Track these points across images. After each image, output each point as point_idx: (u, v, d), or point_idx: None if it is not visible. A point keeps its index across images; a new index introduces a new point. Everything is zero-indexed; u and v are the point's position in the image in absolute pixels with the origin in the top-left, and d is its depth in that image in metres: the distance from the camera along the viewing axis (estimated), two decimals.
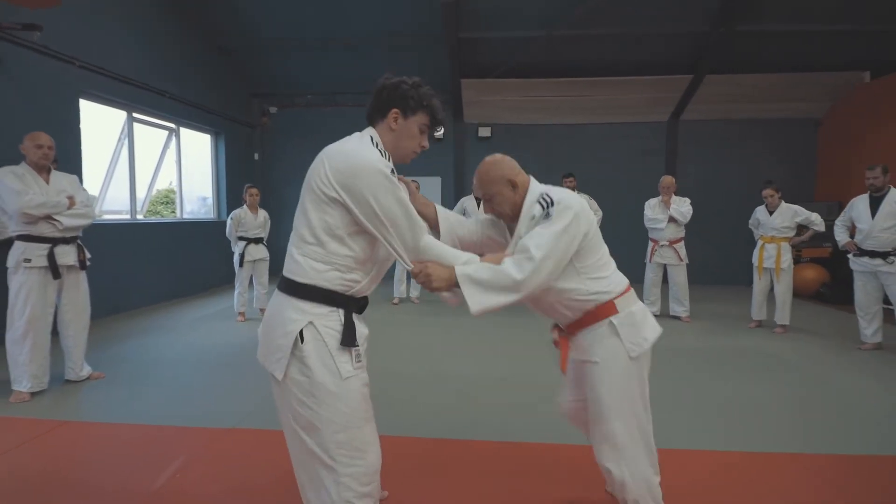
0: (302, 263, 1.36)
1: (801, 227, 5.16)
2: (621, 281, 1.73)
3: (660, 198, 5.65)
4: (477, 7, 6.54)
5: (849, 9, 6.24)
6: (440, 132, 8.44)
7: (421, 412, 3.07)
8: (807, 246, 7.37)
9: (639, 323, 1.68)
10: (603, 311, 1.65)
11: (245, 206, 5.65)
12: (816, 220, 4.94)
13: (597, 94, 7.81)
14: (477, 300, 1.47)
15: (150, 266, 6.40)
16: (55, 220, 3.31)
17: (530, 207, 1.64)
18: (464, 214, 6.64)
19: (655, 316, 5.43)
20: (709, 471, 2.38)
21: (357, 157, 1.36)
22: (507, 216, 1.74)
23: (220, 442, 2.66)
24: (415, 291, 6.83)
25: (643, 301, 5.77)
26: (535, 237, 1.54)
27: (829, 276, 6.97)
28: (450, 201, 8.50)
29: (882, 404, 3.22)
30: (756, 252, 5.27)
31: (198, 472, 2.34)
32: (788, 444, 2.63)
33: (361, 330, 1.45)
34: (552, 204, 1.58)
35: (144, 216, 7.51)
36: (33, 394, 3.29)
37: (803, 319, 5.59)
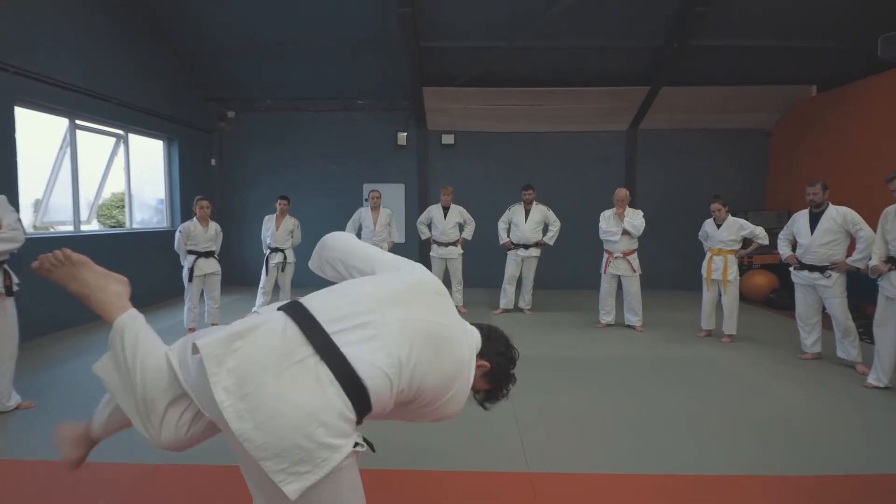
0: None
1: (747, 240, 5.31)
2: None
3: (614, 210, 5.74)
4: (437, 16, 6.51)
5: (797, 25, 6.47)
6: (403, 140, 8.39)
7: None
8: (758, 252, 7.64)
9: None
10: None
11: (195, 219, 5.48)
12: (760, 234, 5.11)
13: (558, 104, 7.89)
14: None
15: None
16: None
17: None
18: (429, 224, 6.69)
19: (610, 325, 5.79)
20: (631, 496, 2.41)
21: None
22: None
23: (151, 480, 2.56)
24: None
25: (600, 310, 5.94)
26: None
27: (778, 283, 7.22)
28: (413, 208, 8.46)
29: (816, 417, 3.34)
30: (704, 264, 5.41)
31: None
32: (721, 466, 2.68)
33: None
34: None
35: (98, 222, 7.24)
36: None
37: (750, 327, 5.77)
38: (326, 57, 7.54)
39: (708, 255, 5.40)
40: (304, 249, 7.57)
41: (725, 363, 4.53)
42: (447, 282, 6.92)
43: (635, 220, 5.62)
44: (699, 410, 3.44)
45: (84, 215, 6.47)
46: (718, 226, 5.28)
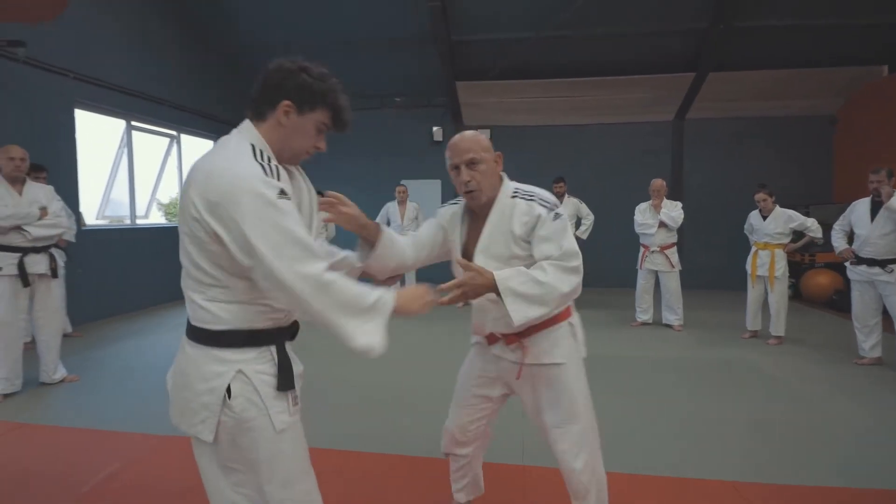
0: (211, 309, 1.15)
1: (799, 234, 4.88)
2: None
3: (650, 202, 5.46)
4: (468, 9, 6.48)
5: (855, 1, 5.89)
6: (439, 135, 8.41)
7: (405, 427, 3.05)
8: (821, 250, 7.01)
9: (581, 328, 1.73)
10: (563, 313, 1.65)
11: None
12: (812, 227, 4.67)
13: (596, 94, 7.63)
14: (522, 314, 1.45)
15: (146, 269, 6.60)
16: (24, 230, 3.44)
17: (511, 207, 1.57)
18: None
19: (647, 324, 5.49)
20: (656, 498, 2.26)
21: (228, 177, 1.08)
22: (485, 190, 1.59)
23: (173, 452, 2.70)
24: None
25: (636, 308, 5.60)
26: (564, 241, 1.51)
27: (843, 283, 6.59)
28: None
29: (868, 429, 2.97)
30: (749, 258, 5.03)
31: (134, 476, 2.38)
32: (754, 474, 2.46)
33: (296, 368, 1.25)
34: (557, 205, 1.58)
35: (165, 218, 7.79)
36: (6, 395, 3.44)
37: (804, 329, 5.30)
38: (363, 56, 7.70)
39: (753, 249, 5.01)
40: (339, 243, 7.88)
41: (767, 366, 4.17)
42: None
43: (673, 211, 5.31)
44: (724, 414, 3.18)
45: (141, 210, 6.98)
46: (764, 217, 4.89)
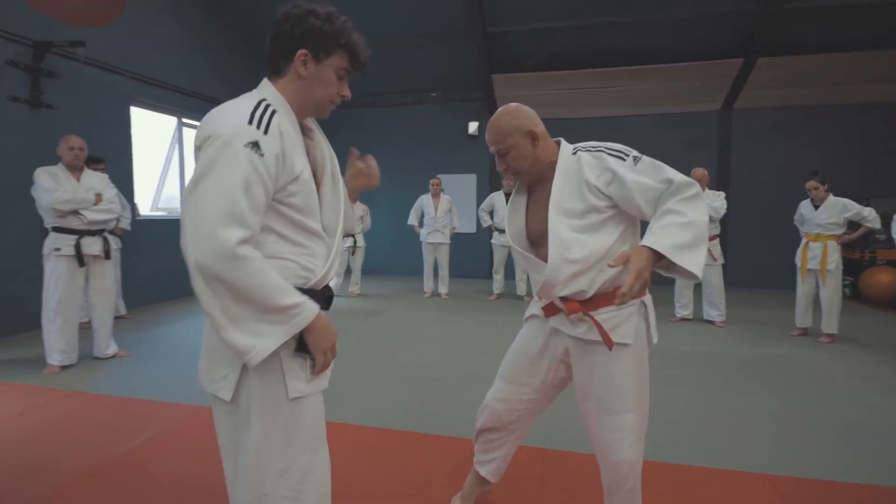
0: None
1: (854, 224, 4.56)
2: None
3: None
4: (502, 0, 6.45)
5: None
6: (474, 129, 8.40)
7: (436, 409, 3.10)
8: (882, 246, 6.53)
9: (653, 311, 1.59)
10: None
11: None
12: (870, 216, 4.35)
13: (638, 84, 7.38)
14: (696, 262, 1.34)
15: None
16: (81, 214, 3.71)
17: (575, 161, 1.51)
18: (491, 212, 6.64)
19: (688, 320, 5.28)
20: (694, 487, 2.19)
21: (213, 122, 1.07)
22: (524, 173, 1.59)
23: (198, 420, 2.85)
24: (443, 287, 6.84)
25: (675, 303, 5.29)
26: (668, 173, 1.41)
27: None
28: (485, 198, 8.42)
29: None
30: (799, 251, 4.73)
31: (168, 441, 2.53)
32: (792, 468, 2.34)
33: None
34: (629, 151, 1.49)
35: None
36: (63, 367, 3.71)
37: (860, 329, 4.95)
38: (399, 52, 7.78)
39: (804, 240, 4.72)
40: (373, 236, 8.12)
41: (815, 364, 3.92)
42: (511, 270, 6.82)
43: (715, 201, 5.07)
44: (764, 408, 3.03)
45: None
46: (816, 207, 4.60)
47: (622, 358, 1.50)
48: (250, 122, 1.06)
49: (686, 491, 2.12)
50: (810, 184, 4.56)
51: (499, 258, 6.67)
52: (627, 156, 1.47)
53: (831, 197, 4.52)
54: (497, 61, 7.32)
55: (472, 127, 8.39)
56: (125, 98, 5.84)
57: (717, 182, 7.26)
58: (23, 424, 2.77)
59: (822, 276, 4.53)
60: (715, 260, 5.16)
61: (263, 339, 1.06)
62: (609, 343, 1.48)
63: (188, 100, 6.69)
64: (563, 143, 1.61)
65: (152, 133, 6.62)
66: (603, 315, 1.50)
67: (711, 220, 5.10)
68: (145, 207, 6.54)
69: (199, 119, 7.06)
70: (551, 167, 1.55)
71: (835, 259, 4.49)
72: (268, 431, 1.14)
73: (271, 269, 1.07)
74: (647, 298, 1.55)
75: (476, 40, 6.83)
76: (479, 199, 8.56)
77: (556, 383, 1.71)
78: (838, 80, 6.81)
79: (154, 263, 6.16)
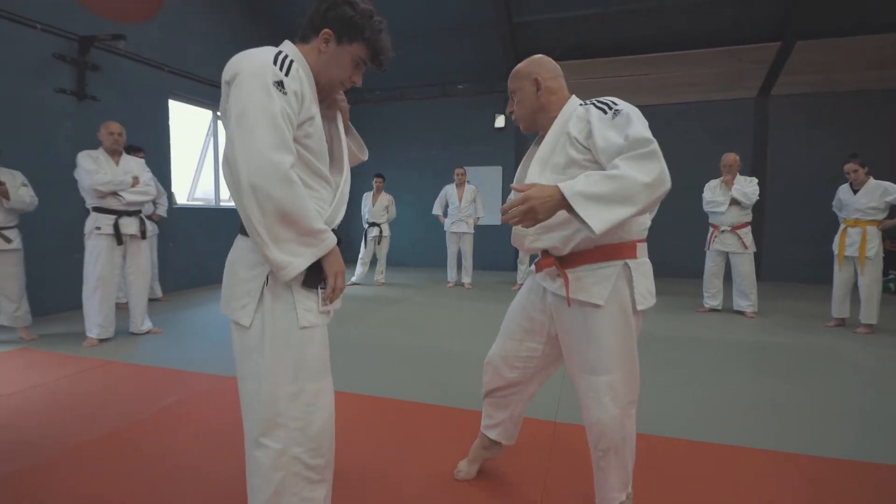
0: None
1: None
2: (645, 226, 1.53)
3: (721, 178, 5.09)
4: None
5: None
6: (501, 122, 8.38)
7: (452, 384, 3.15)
8: None
9: (649, 275, 1.51)
10: (623, 249, 1.46)
11: None
12: None
13: (666, 72, 7.19)
14: (599, 218, 1.24)
15: (227, 247, 7.18)
16: (119, 195, 3.92)
17: (571, 115, 1.49)
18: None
19: (717, 311, 5.13)
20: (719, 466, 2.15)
21: (240, 60, 1.18)
22: (522, 118, 1.62)
23: (228, 389, 2.97)
24: (467, 277, 6.86)
25: (704, 293, 5.14)
26: (630, 129, 1.31)
27: None
28: (509, 191, 8.40)
29: None
30: (837, 238, 4.52)
31: (187, 407, 2.65)
32: (818, 450, 2.26)
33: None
34: (616, 104, 1.41)
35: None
36: (101, 340, 3.93)
37: None
38: (425, 44, 7.86)
39: (842, 226, 4.51)
40: (398, 225, 8.20)
41: (851, 354, 3.73)
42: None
43: (746, 187, 4.90)
44: (795, 395, 2.92)
45: (225, 194, 7.63)
46: (855, 191, 4.39)
47: (597, 318, 1.46)
48: (274, 63, 1.18)
49: (708, 466, 2.08)
50: (849, 166, 4.35)
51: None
52: (610, 109, 1.40)
53: (871, 180, 4.30)
54: (523, 52, 7.27)
55: (500, 120, 8.37)
56: (163, 91, 6.11)
57: (753, 172, 6.99)
58: (60, 388, 2.96)
59: (860, 264, 4.32)
60: (746, 248, 5.00)
61: (298, 259, 1.19)
62: (568, 300, 1.48)
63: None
64: (573, 98, 1.58)
65: (189, 126, 6.91)
66: (578, 273, 1.49)
67: (742, 206, 4.95)
68: (182, 197, 6.83)
69: None
70: (552, 122, 1.56)
71: (875, 245, 4.27)
72: (280, 357, 1.25)
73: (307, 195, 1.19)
74: (636, 262, 1.47)
75: (502, 31, 6.82)
76: (505, 192, 8.55)
77: (553, 341, 1.69)
78: (882, 63, 6.44)
79: (189, 250, 6.43)
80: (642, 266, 1.50)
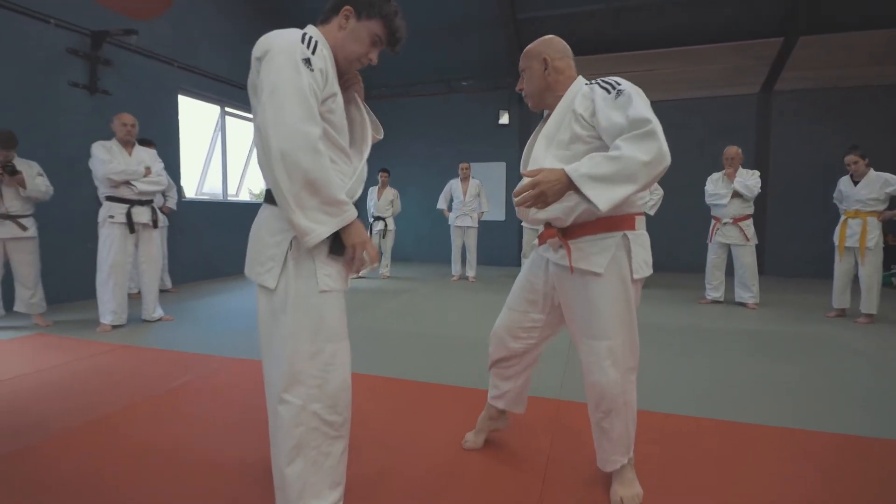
0: None
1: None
2: (643, 200, 1.63)
3: (723, 171, 5.14)
4: None
5: None
6: (505, 119, 8.45)
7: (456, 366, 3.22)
8: None
9: (646, 246, 1.59)
10: (622, 221, 1.54)
11: None
12: None
13: (672, 67, 7.24)
14: (605, 197, 1.33)
15: (235, 241, 7.27)
16: (132, 184, 4.01)
17: (576, 93, 1.57)
18: None
19: (718, 303, 5.18)
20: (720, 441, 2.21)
21: (270, 39, 1.27)
22: (530, 96, 1.69)
23: (239, 370, 3.05)
24: (471, 271, 6.93)
25: (706, 285, 5.18)
26: (630, 110, 1.38)
27: None
28: (514, 185, 8.46)
29: None
30: (837, 229, 4.57)
31: (201, 385, 2.74)
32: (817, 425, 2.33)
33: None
34: (619, 84, 1.47)
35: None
36: (114, 326, 4.02)
37: None
38: (430, 41, 7.92)
39: (842, 217, 4.55)
40: (403, 220, 8.27)
41: (851, 341, 3.78)
42: None
43: (748, 179, 4.95)
44: (785, 373, 2.99)
45: (232, 189, 7.73)
46: (856, 182, 4.43)
47: (597, 285, 1.53)
48: (302, 42, 1.28)
49: (705, 441, 2.14)
50: (849, 158, 4.40)
51: (528, 241, 6.68)
52: (613, 89, 1.47)
53: (872, 172, 4.35)
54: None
55: (504, 117, 8.44)
56: (173, 86, 6.22)
57: (755, 168, 7.01)
58: (77, 368, 3.05)
59: (861, 255, 4.36)
60: (748, 240, 5.05)
61: (321, 227, 1.25)
62: (571, 268, 1.56)
63: (231, 90, 7.05)
64: (579, 78, 1.65)
65: (197, 122, 7.01)
66: (580, 243, 1.56)
67: (745, 198, 5.00)
68: (190, 192, 6.93)
69: (241, 108, 7.44)
70: (560, 99, 1.63)
71: (875, 236, 4.32)
72: (301, 317, 1.32)
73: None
74: (635, 234, 1.55)
75: (506, 27, 6.88)
76: (509, 188, 8.62)
77: (554, 310, 1.77)
78: (885, 58, 6.47)
79: (197, 243, 6.53)
80: (640, 237, 1.58)
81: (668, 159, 1.35)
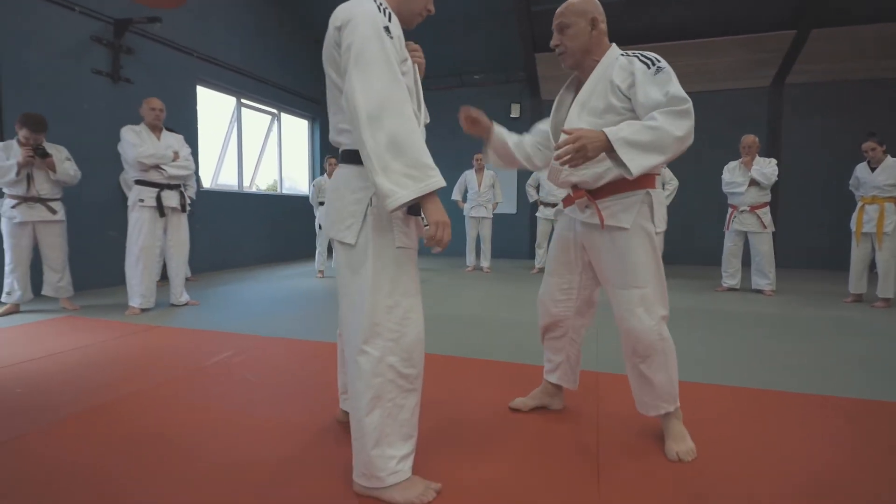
0: None
1: None
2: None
3: (740, 159, 5.20)
4: None
5: None
6: (517, 112, 8.50)
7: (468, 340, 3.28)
8: None
9: (664, 204, 1.72)
10: (645, 181, 1.63)
11: (325, 175, 6.28)
12: None
13: (681, 60, 7.25)
14: (637, 163, 1.44)
15: (251, 232, 7.35)
16: (162, 168, 4.05)
17: (613, 63, 1.61)
18: (537, 186, 6.73)
19: (735, 290, 5.24)
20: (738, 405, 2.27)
21: (350, 8, 1.32)
22: (570, 54, 1.69)
23: (275, 346, 3.10)
24: (485, 261, 6.97)
25: (722, 273, 5.24)
26: (670, 87, 1.48)
27: None
28: (525, 177, 8.50)
29: None
30: (854, 215, 4.63)
31: (250, 360, 2.78)
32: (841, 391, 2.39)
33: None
34: (659, 60, 1.55)
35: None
36: (143, 310, 4.06)
37: None
38: (443, 34, 7.96)
39: (859, 204, 4.62)
40: None
41: (869, 323, 3.83)
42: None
43: (766, 168, 5.01)
44: (804, 348, 3.06)
45: (247, 180, 7.77)
46: (873, 169, 4.50)
47: (625, 239, 1.63)
48: (378, 10, 1.31)
49: (727, 406, 2.20)
50: (867, 144, 4.47)
51: (542, 231, 6.76)
52: (653, 65, 1.54)
53: (889, 158, 4.42)
54: (541, 41, 7.39)
55: (515, 110, 8.49)
56: (192, 76, 6.26)
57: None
58: (108, 347, 3.10)
59: (878, 240, 4.43)
60: (765, 227, 5.10)
61: (402, 190, 1.24)
62: (602, 223, 1.65)
63: (248, 81, 7.09)
64: (614, 46, 1.70)
65: (213, 113, 7.05)
66: (606, 203, 1.66)
67: (762, 186, 5.06)
68: (206, 182, 6.96)
69: (256, 100, 7.50)
70: (595, 65, 1.67)
71: (892, 221, 4.38)
72: (379, 272, 1.37)
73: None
74: (656, 192, 1.66)
75: (521, 19, 6.93)
76: (520, 181, 8.66)
77: (586, 269, 1.85)
78: (895, 51, 6.55)
79: (214, 233, 6.57)
80: (659, 195, 1.70)
81: (692, 139, 1.47)
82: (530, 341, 2.97)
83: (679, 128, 1.44)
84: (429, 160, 1.28)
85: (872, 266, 4.70)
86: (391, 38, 1.29)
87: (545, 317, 1.96)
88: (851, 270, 4.66)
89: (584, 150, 1.43)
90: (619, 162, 1.45)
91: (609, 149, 1.45)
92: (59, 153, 4.09)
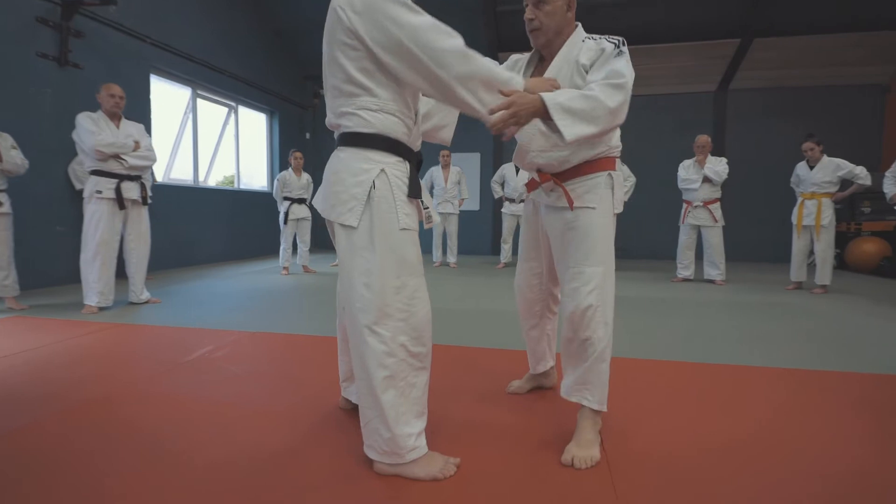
0: (362, 115, 1.39)
1: (847, 183, 4.89)
2: (619, 145, 1.74)
3: (694, 158, 5.54)
4: None
5: None
6: None
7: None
8: (868, 219, 6.91)
9: (622, 186, 1.76)
10: (606, 163, 1.68)
11: (290, 169, 6.13)
12: (861, 174, 4.68)
13: (636, 63, 7.57)
14: (571, 129, 1.43)
15: (209, 228, 7.07)
16: (122, 158, 3.84)
17: (578, 44, 1.63)
18: (502, 183, 6.86)
19: (689, 281, 5.57)
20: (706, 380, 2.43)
21: None
22: (544, 31, 1.68)
23: (256, 340, 3.02)
24: (452, 257, 7.03)
25: (677, 265, 5.56)
26: (617, 64, 1.50)
27: (890, 250, 6.49)
28: (488, 176, 8.66)
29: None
30: (795, 209, 5.05)
31: (233, 354, 2.70)
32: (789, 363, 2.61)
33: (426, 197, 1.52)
34: (624, 45, 1.58)
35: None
36: (100, 308, 3.83)
37: (851, 286, 5.27)
38: None
39: (799, 199, 5.04)
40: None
41: (811, 307, 4.21)
42: (518, 237, 7.04)
43: (717, 166, 5.38)
44: (753, 326, 3.37)
45: (202, 175, 7.45)
46: (812, 167, 4.92)
47: (589, 217, 1.65)
48: None
49: (685, 381, 2.36)
50: (806, 145, 4.87)
51: (508, 227, 6.91)
52: (617, 47, 1.57)
53: (825, 157, 4.84)
54: (505, 40, 7.54)
55: None
56: (145, 64, 5.94)
57: None
58: (66, 347, 2.90)
59: (816, 232, 4.84)
60: (716, 221, 5.46)
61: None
62: (571, 205, 1.67)
63: (203, 70, 6.80)
64: (580, 27, 1.71)
65: (167, 104, 6.72)
66: (571, 185, 1.69)
67: (713, 183, 5.41)
68: (159, 176, 6.62)
69: (212, 91, 7.19)
70: (561, 45, 1.68)
71: (828, 215, 4.81)
72: (385, 253, 1.39)
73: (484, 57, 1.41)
74: (616, 174, 1.70)
75: (487, 18, 7.04)
76: (484, 178, 8.81)
77: (548, 251, 1.88)
78: (831, 61, 7.16)
79: (171, 228, 6.26)
80: (619, 177, 1.74)
81: (624, 116, 1.50)
82: (514, 328, 3.05)
83: (612, 99, 1.44)
84: (505, 74, 1.41)
85: (811, 255, 5.13)
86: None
87: (521, 302, 2.04)
88: (792, 260, 5.08)
89: (516, 116, 1.39)
90: (553, 128, 1.44)
91: (543, 114, 1.42)
92: (4, 141, 3.79)
